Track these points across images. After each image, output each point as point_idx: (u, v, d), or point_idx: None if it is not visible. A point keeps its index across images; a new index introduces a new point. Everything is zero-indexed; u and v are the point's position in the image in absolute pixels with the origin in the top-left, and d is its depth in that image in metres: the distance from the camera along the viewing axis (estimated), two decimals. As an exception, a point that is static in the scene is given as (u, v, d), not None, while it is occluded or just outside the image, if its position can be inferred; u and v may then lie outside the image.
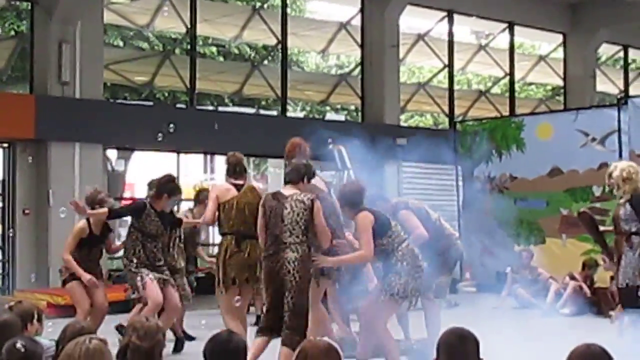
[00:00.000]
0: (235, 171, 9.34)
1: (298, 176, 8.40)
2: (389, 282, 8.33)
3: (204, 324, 12.47)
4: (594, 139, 17.54)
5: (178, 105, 24.33)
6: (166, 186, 10.30)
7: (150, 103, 24.36)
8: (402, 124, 24.80)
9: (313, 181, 8.78)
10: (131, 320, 5.57)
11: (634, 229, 9.95)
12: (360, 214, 8.29)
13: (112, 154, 24.72)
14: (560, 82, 27.76)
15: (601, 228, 10.71)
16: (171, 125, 18.04)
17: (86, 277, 10.25)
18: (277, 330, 8.23)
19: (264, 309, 8.67)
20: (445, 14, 24.43)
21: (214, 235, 39.54)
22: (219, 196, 9.14)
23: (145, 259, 10.07)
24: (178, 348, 11.07)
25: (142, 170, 29.81)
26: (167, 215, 10.39)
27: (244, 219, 8.94)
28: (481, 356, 4.75)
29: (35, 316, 6.66)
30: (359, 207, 8.36)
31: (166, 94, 25.85)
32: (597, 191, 17.03)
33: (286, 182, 8.46)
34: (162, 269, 10.19)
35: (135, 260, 10.08)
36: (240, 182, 9.25)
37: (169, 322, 10.09)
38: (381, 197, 10.40)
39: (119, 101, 23.39)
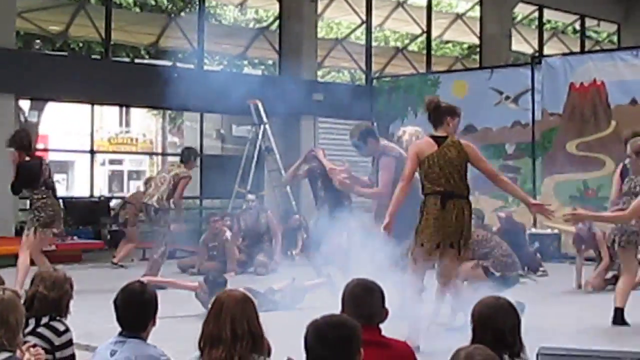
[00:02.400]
0: (435, 120, 8.38)
1: None
2: None
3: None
4: (507, 98, 17.82)
5: (93, 56, 23.97)
6: None
7: (65, 53, 23.95)
8: (319, 79, 24.80)
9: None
10: (39, 271, 5.54)
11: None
12: None
13: (24, 104, 24.31)
14: (477, 41, 27.99)
15: None
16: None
17: None
18: None
19: None
20: (364, -31, 24.43)
21: (128, 189, 39.27)
22: (418, 153, 8.18)
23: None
24: None
25: (55, 121, 29.45)
26: (23, 164, 11.20)
27: (448, 177, 8.10)
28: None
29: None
30: None
31: (81, 45, 25.44)
32: (509, 149, 17.36)
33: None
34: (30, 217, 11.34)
35: None
36: (440, 133, 8.30)
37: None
38: (373, 134, 10.15)
39: (32, 50, 22.95)
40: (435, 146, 8.12)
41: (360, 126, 10.34)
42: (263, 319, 4.49)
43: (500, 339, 4.33)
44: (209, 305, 4.55)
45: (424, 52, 26.83)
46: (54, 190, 11.38)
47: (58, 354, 5.15)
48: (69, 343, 5.25)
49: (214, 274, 10.73)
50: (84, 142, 21.61)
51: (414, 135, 10.47)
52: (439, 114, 8.31)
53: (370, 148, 9.85)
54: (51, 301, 5.26)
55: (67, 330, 5.26)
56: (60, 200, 11.91)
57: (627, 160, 9.64)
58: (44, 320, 5.20)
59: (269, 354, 4.78)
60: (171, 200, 12.79)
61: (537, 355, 5.19)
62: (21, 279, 10.64)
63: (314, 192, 11.66)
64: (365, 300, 4.69)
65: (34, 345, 4.75)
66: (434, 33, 27.09)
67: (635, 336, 8.51)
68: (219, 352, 4.28)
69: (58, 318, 5.27)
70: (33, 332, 5.12)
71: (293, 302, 10.36)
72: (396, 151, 9.88)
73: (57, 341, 5.17)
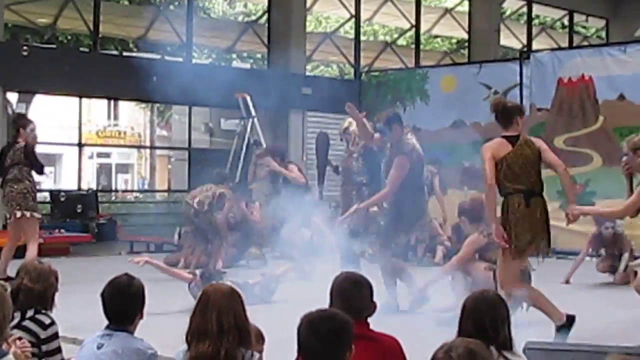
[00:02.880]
0: (504, 120, 8.26)
1: None
2: None
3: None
4: (496, 92, 17.83)
5: (81, 49, 23.89)
6: None
7: (53, 46, 23.86)
8: (308, 73, 24.76)
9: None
10: (24, 263, 5.53)
11: (365, 181, 10.59)
12: None
13: (12, 96, 24.22)
14: (465, 36, 27.98)
15: None
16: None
17: None
18: None
19: None
20: (353, -37, 24.40)
21: (116, 182, 39.23)
22: (495, 154, 8.08)
23: None
24: None
25: (43, 114, 29.32)
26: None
27: (528, 175, 8.06)
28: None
29: None
30: None
31: (69, 37, 25.36)
32: (498, 144, 17.32)
33: None
34: None
35: None
36: (512, 133, 8.20)
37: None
38: (399, 120, 10.12)
39: (20, 42, 22.86)
40: (509, 146, 8.09)
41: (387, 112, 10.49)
42: (250, 312, 4.50)
43: (480, 330, 4.33)
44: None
45: (413, 46, 26.80)
46: (4, 177, 11.71)
47: (44, 347, 5.14)
48: (55, 336, 5.23)
49: (211, 271, 10.76)
50: (72, 135, 21.55)
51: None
52: (509, 114, 8.26)
53: (395, 134, 9.83)
54: (36, 294, 5.24)
55: (52, 323, 5.24)
56: (14, 188, 11.84)
57: (624, 158, 9.57)
58: (30, 313, 5.18)
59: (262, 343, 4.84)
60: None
61: (524, 349, 5.21)
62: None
63: (276, 189, 11.91)
64: (353, 294, 4.71)
65: (20, 338, 4.74)
66: (423, 27, 27.06)
67: (622, 331, 8.55)
68: (205, 346, 4.28)
69: (43, 311, 5.25)
70: (18, 326, 5.09)
71: (270, 294, 10.44)
72: (417, 151, 9.85)
73: (43, 334, 5.15)
